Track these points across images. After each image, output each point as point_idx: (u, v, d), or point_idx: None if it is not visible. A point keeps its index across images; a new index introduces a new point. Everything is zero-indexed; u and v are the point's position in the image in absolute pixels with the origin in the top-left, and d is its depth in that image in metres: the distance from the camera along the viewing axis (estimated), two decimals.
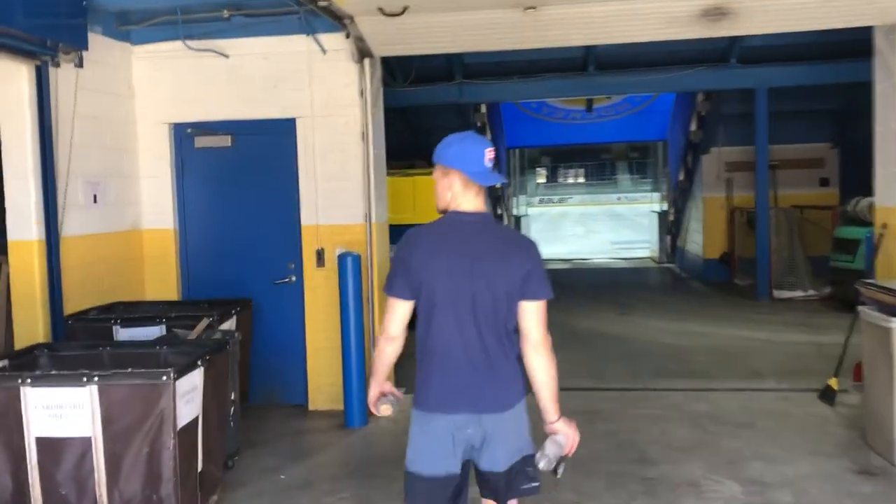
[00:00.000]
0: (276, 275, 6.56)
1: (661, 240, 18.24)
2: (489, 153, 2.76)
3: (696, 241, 15.00)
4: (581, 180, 72.30)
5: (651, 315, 10.83)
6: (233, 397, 5.01)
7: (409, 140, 14.39)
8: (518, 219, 19.83)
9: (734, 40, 11.27)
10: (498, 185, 3.47)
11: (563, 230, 32.30)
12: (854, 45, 11.64)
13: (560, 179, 72.73)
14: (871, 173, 13.19)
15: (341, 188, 6.42)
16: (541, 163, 70.42)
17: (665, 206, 18.78)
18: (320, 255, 6.44)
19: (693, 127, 14.26)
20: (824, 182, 13.87)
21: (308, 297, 6.51)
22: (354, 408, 6.02)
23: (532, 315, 2.73)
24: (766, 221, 11.71)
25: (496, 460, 2.74)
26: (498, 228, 2.90)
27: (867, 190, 13.25)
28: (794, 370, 7.36)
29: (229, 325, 5.61)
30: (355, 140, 6.38)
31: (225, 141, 6.57)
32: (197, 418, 4.00)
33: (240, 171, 6.60)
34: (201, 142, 6.61)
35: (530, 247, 2.78)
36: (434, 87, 12.17)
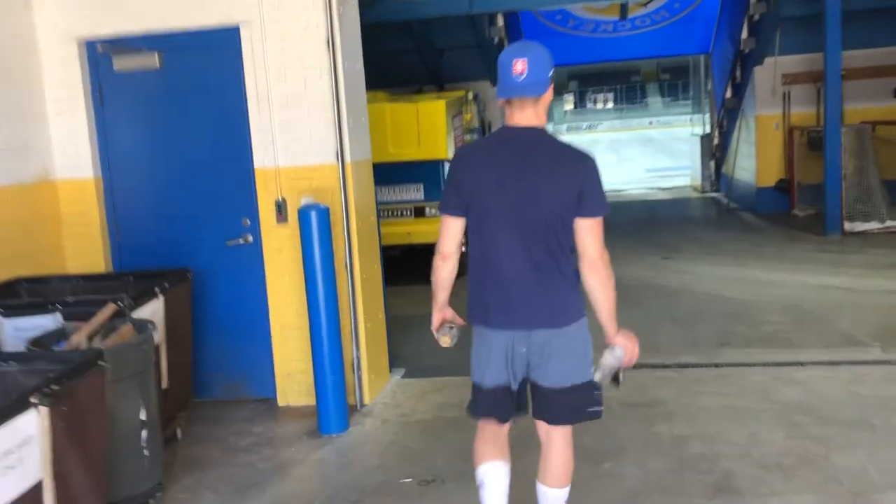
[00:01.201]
0: (229, 234, 5.05)
1: (704, 166, 16.39)
2: (518, 64, 2.55)
3: (747, 166, 13.19)
4: (610, 105, 69.55)
5: (701, 259, 9.20)
6: (143, 417, 3.57)
7: (416, 61, 12.69)
8: None
9: None
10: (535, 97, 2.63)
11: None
12: None
13: (588, 105, 69.98)
14: None
15: (304, 117, 4.83)
16: (568, 88, 67.78)
17: (708, 129, 16.87)
18: (281, 208, 4.90)
19: (744, 34, 12.28)
20: None
21: (269, 262, 5.00)
22: (330, 409, 4.55)
23: (587, 232, 2.62)
24: (837, 141, 9.88)
25: (550, 376, 2.70)
26: (551, 142, 2.68)
27: None
28: None
29: (151, 309, 4.14)
30: (319, 51, 4.74)
31: (151, 61, 4.98)
32: (39, 485, 2.55)
33: (173, 101, 5.03)
34: (121, 63, 5.03)
35: (585, 161, 2.63)
36: None
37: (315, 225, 4.46)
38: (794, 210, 11.95)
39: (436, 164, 8.71)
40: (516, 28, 13.48)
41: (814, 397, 4.56)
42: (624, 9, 12.82)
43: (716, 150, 15.91)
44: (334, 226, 4.68)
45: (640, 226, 12.30)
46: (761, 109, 12.33)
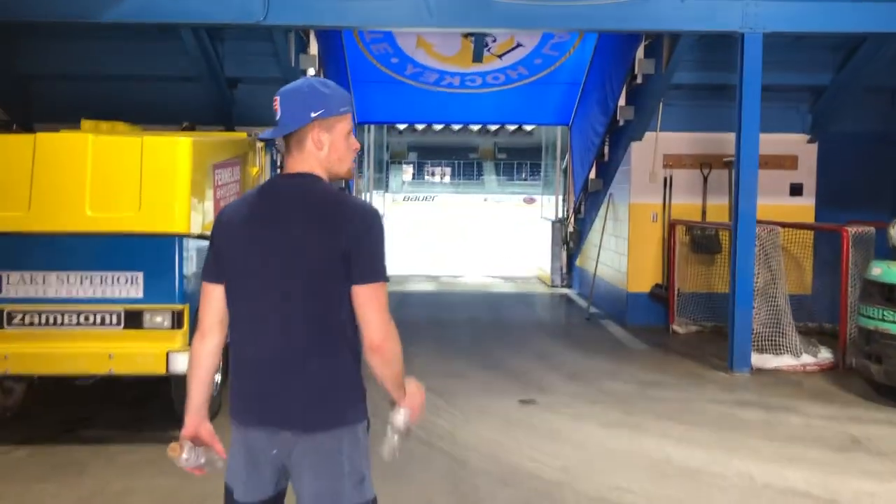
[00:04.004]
0: None
1: (555, 257, 13.89)
2: (274, 102, 2.28)
3: (614, 264, 10.67)
4: (447, 179, 68.76)
5: (578, 408, 6.20)
6: None
7: (199, 93, 9.29)
8: None
9: None
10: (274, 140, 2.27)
11: (431, 240, 27.84)
12: None
13: (427, 177, 68.76)
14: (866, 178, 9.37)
15: None
16: (407, 158, 66.28)
17: (561, 214, 14.47)
18: None
19: (622, 101, 9.87)
20: (796, 190, 9.85)
21: None
22: None
23: (362, 303, 2.17)
24: (751, 247, 7.40)
25: (305, 496, 2.19)
26: (318, 192, 2.24)
27: (856, 204, 9.44)
28: None
29: None
30: None
31: None
32: None
33: None
34: None
35: (358, 215, 2.19)
36: None
37: None
38: (674, 325, 9.45)
39: (167, 242, 5.19)
40: (338, 62, 10.38)
41: None
42: (478, 51, 10.05)
43: (569, 240, 13.47)
44: None
45: (481, 335, 9.27)
46: (637, 196, 9.86)
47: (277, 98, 2.27)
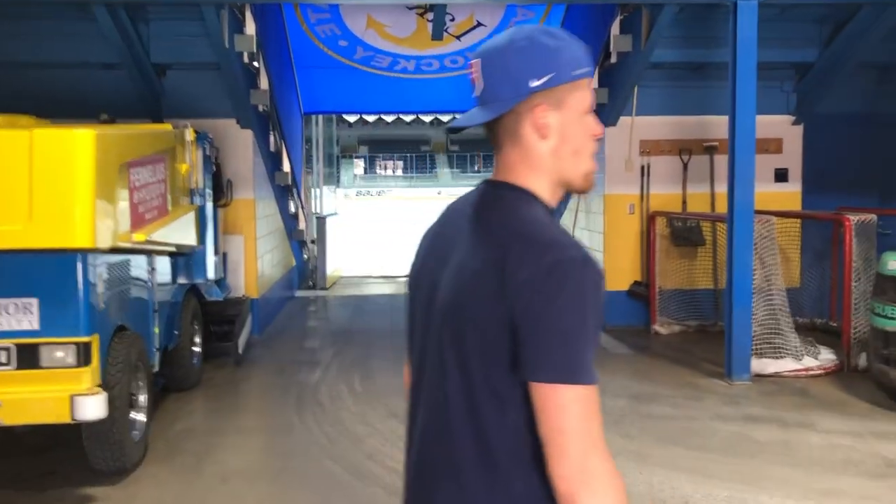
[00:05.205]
0: None
1: None
2: (472, 68, 1.45)
3: None
4: (400, 172, 67.78)
5: None
6: None
7: (124, 82, 8.23)
8: (323, 220, 13.66)
9: None
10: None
11: (386, 237, 26.86)
12: None
13: (378, 171, 67.68)
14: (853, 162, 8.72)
15: None
16: (358, 152, 65.04)
17: None
18: None
19: (595, 83, 9.06)
20: (781, 175, 9.19)
21: None
22: None
23: (540, 413, 1.28)
24: (749, 240, 6.65)
25: None
26: (497, 219, 1.38)
27: (844, 189, 8.84)
28: None
29: None
30: None
31: None
32: None
33: None
34: None
35: (537, 261, 1.28)
36: None
37: None
38: (656, 326, 8.72)
39: (66, 259, 4.20)
40: (279, 45, 9.37)
41: None
42: (438, 27, 9.10)
43: None
44: None
45: None
46: (612, 187, 9.08)
47: (477, 61, 1.44)
